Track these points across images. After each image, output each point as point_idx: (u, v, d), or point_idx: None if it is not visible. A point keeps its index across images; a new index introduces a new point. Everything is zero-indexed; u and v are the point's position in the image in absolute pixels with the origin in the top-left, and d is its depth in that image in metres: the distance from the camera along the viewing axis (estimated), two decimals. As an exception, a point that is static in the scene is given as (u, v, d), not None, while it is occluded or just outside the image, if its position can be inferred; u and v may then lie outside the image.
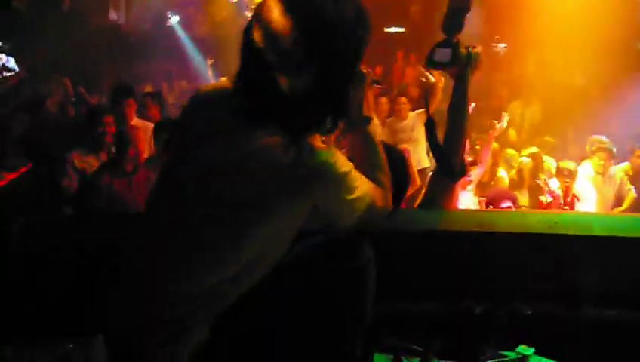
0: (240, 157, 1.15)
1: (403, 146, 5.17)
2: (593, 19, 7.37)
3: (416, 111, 6.25)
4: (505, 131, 7.21)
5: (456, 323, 1.77)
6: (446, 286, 1.82)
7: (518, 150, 5.90)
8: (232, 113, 1.18)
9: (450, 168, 1.78)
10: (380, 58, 10.99)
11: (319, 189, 1.17)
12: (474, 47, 1.83)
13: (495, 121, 3.75)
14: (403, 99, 6.43)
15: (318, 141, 1.18)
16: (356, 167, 1.23)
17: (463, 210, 1.88)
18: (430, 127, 1.84)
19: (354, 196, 1.20)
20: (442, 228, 1.82)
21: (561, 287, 1.79)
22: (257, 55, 1.15)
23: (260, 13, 1.16)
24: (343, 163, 1.19)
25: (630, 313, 1.75)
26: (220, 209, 1.15)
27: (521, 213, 2.49)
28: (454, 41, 1.79)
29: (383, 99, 6.71)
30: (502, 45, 10.60)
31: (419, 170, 5.80)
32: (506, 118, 4.02)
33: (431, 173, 2.28)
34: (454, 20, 1.81)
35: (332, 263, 1.29)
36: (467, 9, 1.80)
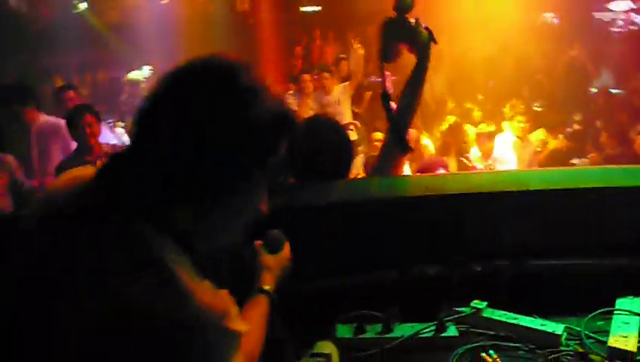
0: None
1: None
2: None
3: (341, 85, 6.50)
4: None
5: (413, 286, 1.82)
6: (399, 252, 1.87)
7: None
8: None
9: (403, 141, 1.84)
10: (298, 37, 11.01)
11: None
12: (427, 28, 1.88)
13: None
14: (326, 74, 6.63)
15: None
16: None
17: (410, 175, 1.92)
18: (385, 100, 1.90)
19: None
20: (393, 195, 1.86)
21: (506, 243, 1.88)
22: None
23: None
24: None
25: (570, 261, 1.87)
26: None
27: (465, 174, 2.58)
28: (413, 20, 1.87)
29: (307, 77, 6.79)
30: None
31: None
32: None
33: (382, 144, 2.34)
34: None
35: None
36: None
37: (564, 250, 1.87)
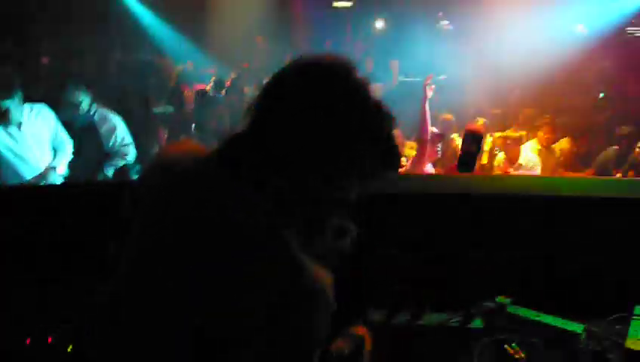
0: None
1: None
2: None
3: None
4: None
5: (444, 274, 1.94)
6: (439, 244, 1.99)
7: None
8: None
9: None
10: (330, 32, 11.08)
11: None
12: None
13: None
14: None
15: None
16: None
17: (448, 175, 2.04)
18: None
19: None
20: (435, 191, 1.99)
21: (536, 244, 1.99)
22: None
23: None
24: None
25: (594, 265, 1.97)
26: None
27: (498, 176, 2.69)
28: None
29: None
30: (444, 22, 10.93)
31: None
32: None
33: None
34: None
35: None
36: None
37: (590, 254, 1.97)
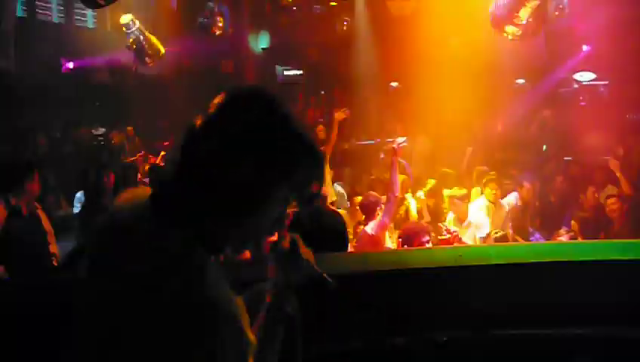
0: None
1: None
2: (474, 61, 8.20)
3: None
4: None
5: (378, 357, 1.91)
6: (364, 324, 1.96)
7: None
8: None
9: None
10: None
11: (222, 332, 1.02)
12: None
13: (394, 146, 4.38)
14: None
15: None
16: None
17: (379, 252, 2.04)
18: None
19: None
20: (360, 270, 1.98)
21: (469, 313, 1.99)
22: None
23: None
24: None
25: (532, 330, 1.98)
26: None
27: (429, 249, 2.72)
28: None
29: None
30: (393, 84, 11.29)
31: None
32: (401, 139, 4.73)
33: None
34: None
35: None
36: None
37: (522, 320, 1.98)
